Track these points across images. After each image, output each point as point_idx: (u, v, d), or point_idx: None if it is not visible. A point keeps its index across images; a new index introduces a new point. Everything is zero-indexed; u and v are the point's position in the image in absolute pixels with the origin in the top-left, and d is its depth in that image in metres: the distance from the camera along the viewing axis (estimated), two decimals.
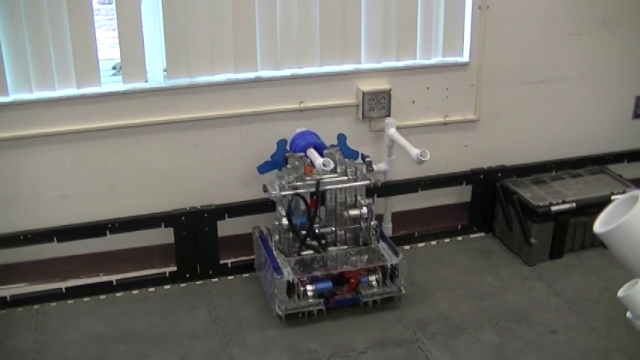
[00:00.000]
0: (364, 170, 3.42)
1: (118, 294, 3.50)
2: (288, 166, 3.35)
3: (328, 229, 3.46)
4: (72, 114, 3.38)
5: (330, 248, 3.44)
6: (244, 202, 3.58)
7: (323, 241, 3.43)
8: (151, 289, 3.52)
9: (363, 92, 3.65)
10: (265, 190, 3.39)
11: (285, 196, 3.29)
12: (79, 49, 3.33)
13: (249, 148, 3.60)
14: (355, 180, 3.40)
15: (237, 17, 3.43)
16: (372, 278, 3.34)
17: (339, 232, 3.47)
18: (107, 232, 3.42)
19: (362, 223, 3.43)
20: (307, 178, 3.34)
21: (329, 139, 3.53)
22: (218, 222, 3.53)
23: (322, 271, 3.27)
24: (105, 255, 3.57)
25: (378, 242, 3.45)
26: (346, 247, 3.46)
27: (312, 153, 3.33)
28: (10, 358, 3.10)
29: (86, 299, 3.48)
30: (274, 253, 3.34)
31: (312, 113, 3.64)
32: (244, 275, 3.63)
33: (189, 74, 3.48)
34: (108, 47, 3.99)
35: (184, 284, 3.56)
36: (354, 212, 3.41)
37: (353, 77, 3.68)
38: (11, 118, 3.33)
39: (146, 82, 3.47)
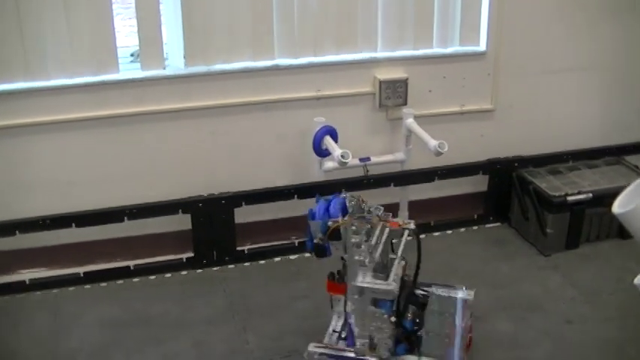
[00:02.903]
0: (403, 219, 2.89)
1: (135, 279, 3.53)
2: (353, 240, 2.58)
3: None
4: (90, 100, 3.40)
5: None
6: (261, 190, 3.60)
7: None
8: (168, 275, 3.55)
9: (379, 81, 3.65)
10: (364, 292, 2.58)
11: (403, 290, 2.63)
12: (98, 35, 3.35)
13: (267, 136, 3.62)
14: None
15: (256, 5, 3.44)
16: None
17: None
18: (125, 218, 3.44)
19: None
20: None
21: (345, 127, 3.55)
22: (235, 209, 3.54)
23: None
24: (122, 241, 3.59)
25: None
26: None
27: (330, 142, 3.35)
28: (29, 340, 3.13)
29: (103, 284, 3.51)
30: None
31: (328, 101, 3.65)
32: (260, 262, 3.65)
33: (207, 62, 3.49)
34: (124, 36, 4.00)
35: (201, 270, 3.58)
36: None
37: (370, 66, 3.68)
38: (29, 105, 3.36)
39: (164, 69, 3.49)
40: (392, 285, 2.51)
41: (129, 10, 3.48)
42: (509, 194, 3.95)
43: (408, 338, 2.70)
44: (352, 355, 2.68)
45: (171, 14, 3.47)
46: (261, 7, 3.46)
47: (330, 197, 2.78)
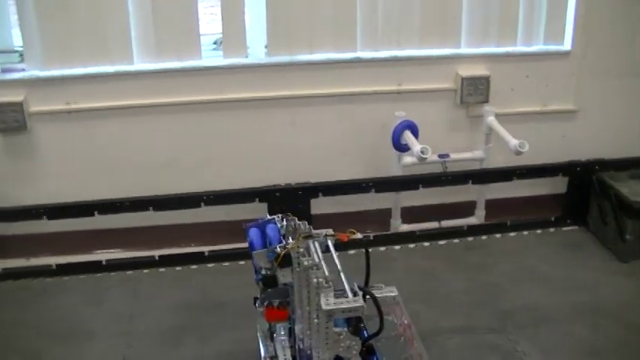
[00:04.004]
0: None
1: (210, 265, 3.56)
2: (305, 263, 2.26)
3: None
4: (174, 86, 3.46)
5: None
6: (338, 182, 3.59)
7: None
8: (242, 262, 3.56)
9: (461, 77, 3.61)
10: (333, 313, 2.20)
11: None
12: (182, 23, 3.40)
13: (346, 128, 3.62)
14: None
15: None
16: None
17: None
18: (202, 203, 3.47)
19: None
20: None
21: (425, 123, 3.52)
22: (311, 200, 3.55)
23: None
24: (198, 226, 3.63)
25: None
26: None
27: (410, 137, 3.32)
28: (105, 319, 3.19)
29: (178, 268, 3.54)
30: None
31: (409, 96, 3.62)
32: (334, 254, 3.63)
33: (290, 52, 3.50)
34: (205, 24, 4.03)
35: None
36: None
37: (452, 62, 3.65)
38: (112, 89, 3.44)
39: (246, 57, 3.51)
40: (359, 301, 2.23)
41: None
42: (588, 197, 3.87)
43: (368, 349, 2.46)
44: None
45: (255, 4, 3.49)
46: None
47: (258, 222, 2.51)
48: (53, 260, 3.53)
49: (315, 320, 2.27)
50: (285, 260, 2.30)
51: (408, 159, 3.56)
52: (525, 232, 3.87)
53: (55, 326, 3.15)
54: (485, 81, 3.64)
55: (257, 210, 3.53)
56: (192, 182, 3.53)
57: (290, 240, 2.35)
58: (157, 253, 3.57)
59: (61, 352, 2.99)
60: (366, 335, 2.41)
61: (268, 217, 2.48)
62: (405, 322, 2.62)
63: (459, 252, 3.67)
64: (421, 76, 3.63)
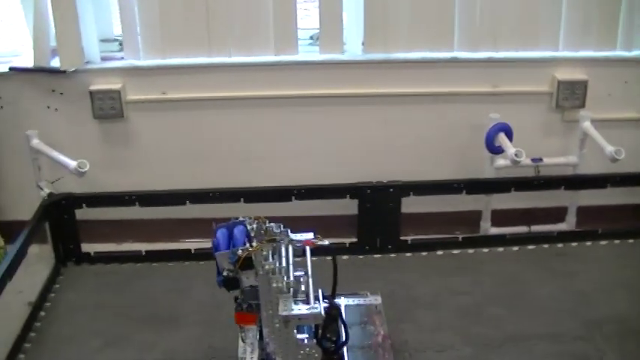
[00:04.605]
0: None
1: (297, 259, 3.56)
2: (267, 267, 2.27)
3: None
4: (269, 80, 3.49)
5: None
6: (430, 182, 3.55)
7: None
8: (329, 258, 3.55)
9: (558, 81, 3.56)
10: (292, 318, 2.25)
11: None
12: (280, 17, 3.42)
13: (439, 128, 3.60)
14: None
15: None
16: None
17: None
18: (292, 197, 3.48)
19: None
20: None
21: (518, 125, 3.48)
22: (402, 198, 3.53)
23: None
24: (286, 220, 3.62)
25: None
26: None
27: (504, 139, 3.28)
28: (192, 306, 3.21)
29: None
30: None
31: (504, 98, 3.59)
32: (422, 254, 3.61)
33: (386, 49, 3.49)
34: (300, 19, 4.04)
35: (362, 256, 3.58)
36: None
37: (549, 65, 3.59)
38: (210, 80, 3.49)
39: (342, 53, 3.51)
40: (317, 308, 2.25)
41: None
42: None
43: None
44: None
45: (353, 0, 3.48)
46: None
47: (228, 223, 2.49)
48: (143, 247, 3.58)
49: (277, 325, 2.29)
50: (248, 263, 2.28)
51: (500, 161, 3.52)
52: (617, 241, 3.77)
53: (140, 311, 3.18)
54: (582, 85, 3.57)
55: (347, 206, 3.54)
56: (282, 176, 3.54)
57: (254, 243, 2.31)
58: None
59: (145, 338, 3.01)
60: (326, 345, 2.39)
61: (241, 218, 2.45)
62: (382, 332, 2.64)
63: (548, 258, 3.60)
64: (517, 78, 3.58)
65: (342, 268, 3.47)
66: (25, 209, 3.41)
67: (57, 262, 3.49)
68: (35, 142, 3.45)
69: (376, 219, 3.53)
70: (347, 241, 3.59)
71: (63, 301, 3.28)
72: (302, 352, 2.33)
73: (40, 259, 3.48)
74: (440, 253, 3.61)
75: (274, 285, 2.25)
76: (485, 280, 3.36)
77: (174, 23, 3.45)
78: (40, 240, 3.43)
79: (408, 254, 3.60)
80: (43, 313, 3.15)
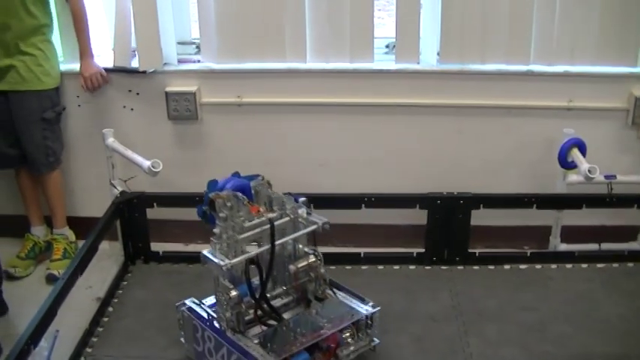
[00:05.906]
0: (304, 213, 2.73)
1: (364, 267, 3.57)
2: (221, 214, 2.49)
3: (280, 290, 2.78)
4: (343, 87, 3.51)
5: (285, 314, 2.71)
6: (501, 195, 3.53)
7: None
8: (396, 267, 3.56)
9: (635, 97, 3.51)
10: (205, 261, 2.56)
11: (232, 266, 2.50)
12: (357, 25, 3.44)
13: (511, 141, 3.58)
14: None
15: (514, 5, 3.41)
16: (346, 335, 2.73)
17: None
18: (363, 205, 3.48)
19: (312, 275, 2.74)
20: (250, 223, 2.53)
21: (592, 141, 3.44)
22: (472, 210, 3.52)
23: (297, 345, 2.54)
24: (355, 227, 3.65)
25: (335, 293, 2.87)
26: (304, 308, 2.77)
27: (577, 155, 3.25)
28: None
29: (332, 267, 3.54)
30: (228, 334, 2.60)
31: (578, 113, 3.55)
32: (490, 267, 3.59)
33: (462, 60, 3.49)
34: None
35: (429, 267, 3.57)
36: (302, 264, 2.69)
37: (626, 81, 3.54)
38: (285, 85, 3.54)
39: (418, 63, 3.51)
40: (225, 261, 2.48)
41: (380, 1, 3.56)
42: None
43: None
44: None
45: (430, 11, 3.49)
46: (520, 10, 3.42)
47: (250, 175, 2.80)
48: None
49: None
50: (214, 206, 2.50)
51: (573, 177, 3.48)
52: None
53: None
54: None
55: (416, 216, 3.54)
56: (352, 183, 3.56)
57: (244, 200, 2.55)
58: None
59: None
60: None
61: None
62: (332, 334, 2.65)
63: (618, 277, 3.55)
64: (593, 94, 3.54)
65: (408, 277, 3.51)
66: (97, 206, 3.48)
67: (126, 259, 3.56)
68: (110, 140, 3.51)
69: (445, 230, 3.51)
70: (414, 251, 3.58)
71: (130, 298, 3.34)
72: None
73: (109, 256, 3.56)
74: (507, 267, 3.58)
75: (214, 230, 2.54)
76: (552, 297, 3.32)
77: (251, 28, 3.50)
78: (111, 237, 3.50)
79: (476, 267, 3.57)
80: (110, 309, 3.22)
